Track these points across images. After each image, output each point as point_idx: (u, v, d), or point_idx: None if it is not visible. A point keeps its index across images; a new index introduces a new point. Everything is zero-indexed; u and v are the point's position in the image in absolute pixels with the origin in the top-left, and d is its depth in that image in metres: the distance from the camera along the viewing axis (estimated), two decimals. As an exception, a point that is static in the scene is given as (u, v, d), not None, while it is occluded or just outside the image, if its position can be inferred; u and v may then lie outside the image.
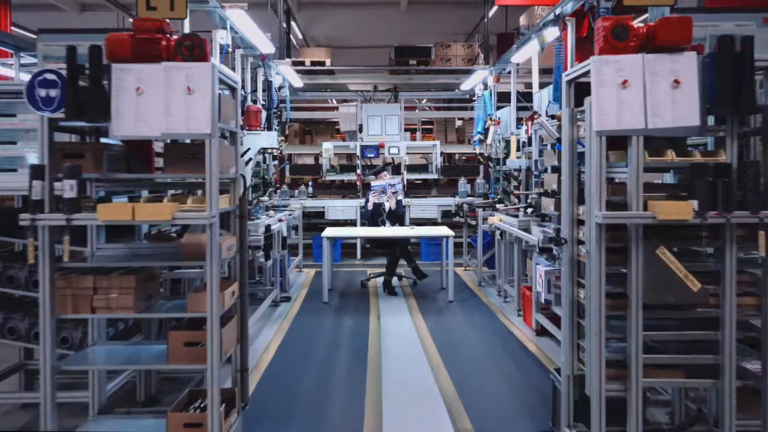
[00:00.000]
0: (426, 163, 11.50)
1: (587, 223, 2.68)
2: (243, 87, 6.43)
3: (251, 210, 5.68)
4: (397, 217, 6.99)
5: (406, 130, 10.14)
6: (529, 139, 6.32)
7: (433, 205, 9.06)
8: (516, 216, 5.70)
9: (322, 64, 10.26)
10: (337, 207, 8.97)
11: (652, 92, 2.52)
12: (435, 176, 9.46)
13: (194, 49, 2.65)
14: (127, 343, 3.16)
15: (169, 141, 3.06)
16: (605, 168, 2.58)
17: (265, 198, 6.88)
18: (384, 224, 6.94)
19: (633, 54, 2.55)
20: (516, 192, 6.64)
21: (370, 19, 12.30)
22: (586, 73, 2.67)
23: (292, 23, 11.48)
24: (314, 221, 9.82)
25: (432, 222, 9.85)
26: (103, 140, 2.99)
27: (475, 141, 8.05)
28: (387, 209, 6.93)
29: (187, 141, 3.00)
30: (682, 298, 2.55)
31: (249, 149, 6.12)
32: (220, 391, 2.73)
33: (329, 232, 6.58)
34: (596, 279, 2.58)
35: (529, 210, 5.63)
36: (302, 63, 10.13)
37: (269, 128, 6.35)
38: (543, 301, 4.64)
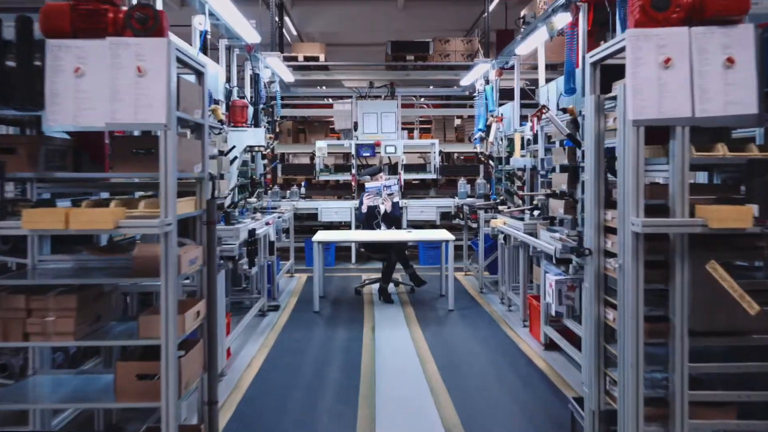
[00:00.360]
0: (424, 163, 11.05)
1: (620, 232, 2.23)
2: (228, 81, 5.97)
3: (234, 213, 5.23)
4: (393, 219, 6.54)
5: (403, 128, 9.70)
6: (535, 136, 5.88)
7: (431, 207, 8.61)
8: (521, 219, 5.25)
9: (316, 59, 9.81)
10: (331, 208, 8.51)
11: (700, 73, 2.08)
12: (433, 176, 9.01)
13: (147, 21, 2.20)
14: (75, 371, 2.70)
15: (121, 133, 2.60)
16: (643, 165, 2.14)
17: (253, 199, 6.42)
18: (379, 227, 6.50)
19: (677, 27, 2.10)
20: (520, 193, 6.20)
21: (367, 15, 11.86)
22: (617, 53, 2.22)
23: (286, 19, 11.03)
24: (307, 223, 9.37)
25: (430, 224, 9.40)
26: (49, 133, 2.54)
27: (475, 139, 7.61)
28: (382, 212, 6.49)
29: (137, 133, 2.54)
30: (736, 322, 2.11)
31: (234, 147, 5.66)
32: (183, 429, 2.28)
33: (320, 236, 6.13)
34: (632, 299, 2.13)
35: (536, 213, 5.18)
36: (295, 58, 9.68)
37: (257, 125, 5.90)
38: (553, 313, 4.20)
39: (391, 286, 6.49)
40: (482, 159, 7.94)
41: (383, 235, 6.15)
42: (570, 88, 4.57)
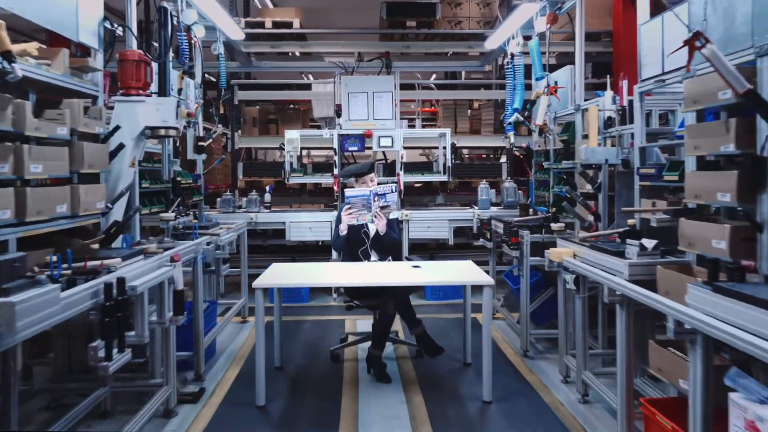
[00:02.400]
0: (428, 161, 8.73)
1: None
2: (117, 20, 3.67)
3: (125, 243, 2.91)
4: (389, 246, 4.21)
5: (401, 118, 7.36)
6: (623, 111, 3.58)
7: (441, 220, 6.27)
8: (617, 253, 2.94)
9: (289, 26, 7.47)
10: (303, 223, 6.17)
11: None
12: (444, 178, 6.69)
13: None
14: None
15: None
16: None
17: (170, 215, 4.09)
18: (368, 257, 4.18)
19: None
20: (592, 204, 3.89)
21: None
22: None
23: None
24: (273, 242, 7.04)
25: (440, 245, 7.10)
26: None
27: (507, 125, 5.26)
28: (372, 234, 4.17)
29: None
30: None
31: (118, 128, 3.34)
32: None
33: (270, 276, 3.77)
34: None
35: (649, 243, 2.85)
36: (261, 25, 7.35)
37: (163, 92, 3.58)
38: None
39: (386, 347, 4.18)
40: (517, 153, 5.64)
41: (374, 273, 3.80)
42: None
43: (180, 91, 4.26)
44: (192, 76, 4.67)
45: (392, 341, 4.37)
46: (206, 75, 8.26)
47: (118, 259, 2.65)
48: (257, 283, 3.36)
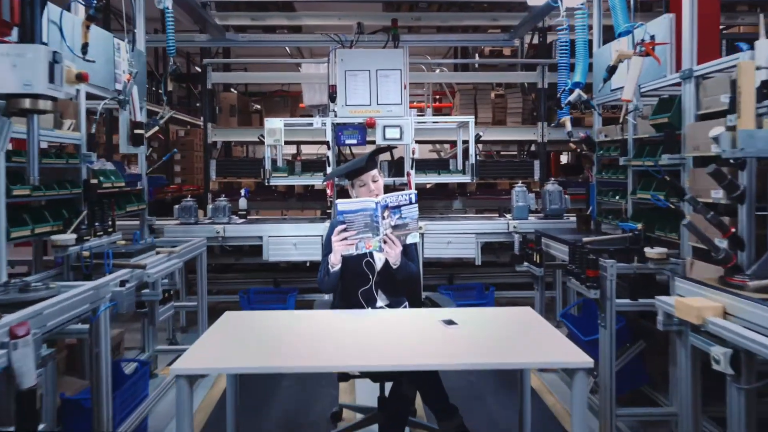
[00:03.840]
0: (443, 158, 7.31)
1: None
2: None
3: None
4: (404, 284, 2.74)
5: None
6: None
7: (467, 234, 4.82)
8: None
9: (273, -8, 6.06)
10: (286, 238, 4.72)
11: None
12: (467, 178, 5.25)
13: None
14: None
15: None
16: None
17: (67, 238, 2.66)
18: (372, 303, 2.73)
19: None
20: (727, 225, 2.45)
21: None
22: None
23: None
24: (248, 261, 5.61)
25: (464, 264, 5.68)
26: None
27: (563, 107, 3.77)
28: (378, 267, 2.72)
29: None
30: None
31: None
32: None
33: (200, 351, 2.32)
34: None
35: None
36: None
37: (28, 36, 2.14)
38: None
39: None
40: (573, 146, 4.20)
41: (386, 347, 2.31)
42: None
43: (85, 47, 2.81)
44: (98, 21, 3.21)
45: (411, 425, 2.93)
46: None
47: None
48: (177, 366, 1.90)
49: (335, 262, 2.60)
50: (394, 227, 2.55)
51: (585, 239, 3.18)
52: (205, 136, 6.39)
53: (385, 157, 5.97)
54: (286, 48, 8.10)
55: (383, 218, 2.52)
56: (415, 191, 2.58)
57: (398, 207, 2.55)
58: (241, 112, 6.85)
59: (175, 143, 9.49)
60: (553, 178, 5.05)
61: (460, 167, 5.56)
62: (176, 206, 4.76)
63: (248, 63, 7.29)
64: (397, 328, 2.34)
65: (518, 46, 7.42)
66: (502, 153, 9.37)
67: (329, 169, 5.06)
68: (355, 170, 2.76)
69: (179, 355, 1.97)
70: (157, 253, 3.18)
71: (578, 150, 4.07)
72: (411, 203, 2.57)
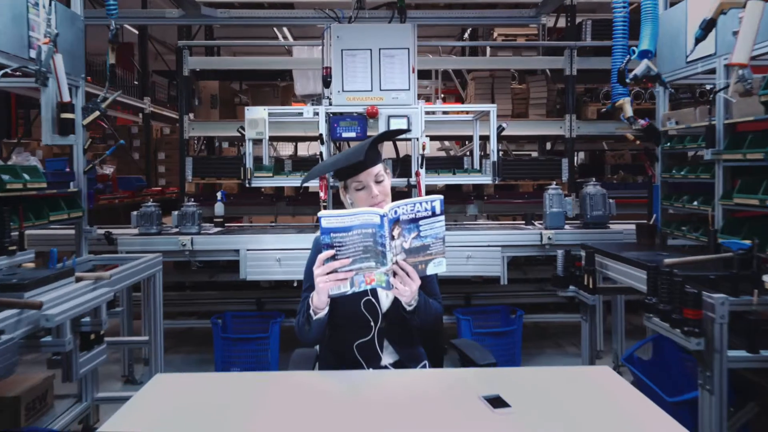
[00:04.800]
0: (456, 155, 6.46)
1: None
2: None
3: None
4: (422, 332, 1.86)
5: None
6: None
7: (491, 247, 3.92)
8: None
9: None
10: (268, 253, 3.80)
11: None
12: (488, 179, 4.36)
13: None
14: None
15: None
16: None
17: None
18: (375, 361, 1.85)
19: None
20: None
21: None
22: None
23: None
24: (224, 278, 4.74)
25: (485, 281, 4.82)
26: None
27: (630, 79, 2.86)
28: (385, 309, 1.85)
29: None
30: None
31: None
32: None
33: None
34: None
35: None
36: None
37: None
38: None
39: None
40: (629, 136, 3.30)
41: None
42: None
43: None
44: None
45: None
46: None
47: None
48: None
49: (319, 305, 1.71)
50: (409, 251, 1.67)
51: (668, 261, 2.29)
52: (181, 131, 5.53)
53: (388, 154, 5.11)
54: (276, 31, 7.22)
55: (392, 238, 1.64)
56: (440, 196, 1.69)
57: (415, 221, 1.66)
58: (224, 103, 5.97)
59: (160, 142, 8.67)
60: (594, 181, 4.15)
61: (476, 166, 4.69)
62: (134, 213, 3.87)
63: (233, 46, 6.39)
64: (412, 409, 1.45)
65: (538, 28, 6.55)
66: (515, 152, 8.47)
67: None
68: (349, 166, 1.87)
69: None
70: (78, 280, 2.30)
71: (636, 142, 3.18)
72: (434, 215, 1.68)
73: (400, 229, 1.65)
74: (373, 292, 1.83)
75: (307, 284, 1.82)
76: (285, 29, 7.38)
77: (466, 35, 7.46)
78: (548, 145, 7.02)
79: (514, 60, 5.99)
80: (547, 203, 4.02)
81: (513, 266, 4.52)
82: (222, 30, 6.37)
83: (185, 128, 5.49)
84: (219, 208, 4.38)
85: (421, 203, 1.67)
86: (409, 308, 1.78)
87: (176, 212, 3.94)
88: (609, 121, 5.37)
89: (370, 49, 4.36)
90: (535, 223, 4.34)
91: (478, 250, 3.89)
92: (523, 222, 4.47)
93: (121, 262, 3.04)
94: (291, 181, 4.45)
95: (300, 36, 7.50)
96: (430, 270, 1.71)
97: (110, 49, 2.94)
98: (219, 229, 4.26)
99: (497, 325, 4.21)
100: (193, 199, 4.98)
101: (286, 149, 11.30)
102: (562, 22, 6.55)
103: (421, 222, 1.67)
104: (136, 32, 7.43)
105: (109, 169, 7.00)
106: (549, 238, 3.82)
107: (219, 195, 4.42)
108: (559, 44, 5.66)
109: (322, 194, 4.15)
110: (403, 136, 4.18)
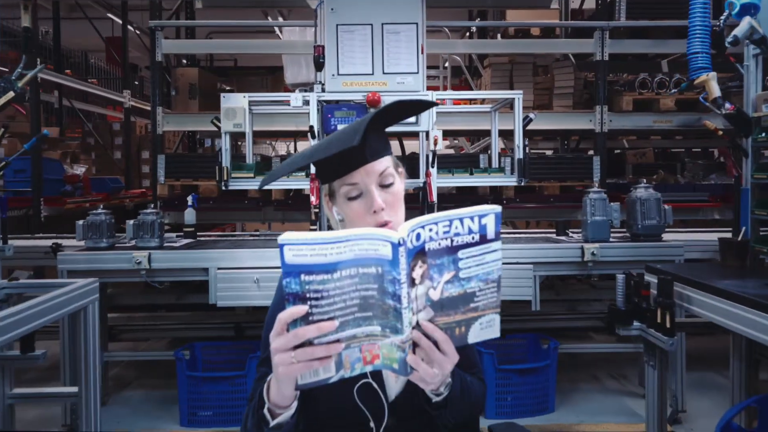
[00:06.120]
0: (470, 152, 5.73)
1: None
2: None
3: None
4: (454, 424, 1.15)
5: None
6: None
7: (519, 265, 3.16)
8: None
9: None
10: (243, 273, 3.04)
11: None
12: (512, 180, 3.61)
13: None
14: None
15: None
16: None
17: None
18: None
19: None
20: None
21: None
22: None
23: None
24: (195, 300, 3.99)
25: (516, 304, 4.06)
26: None
27: (729, 47, 2.10)
28: (393, 396, 1.11)
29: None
30: None
31: None
32: None
33: None
34: None
35: None
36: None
37: None
38: None
39: None
40: (709, 126, 2.56)
41: None
42: None
43: None
44: None
45: None
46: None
47: None
48: None
49: (279, 401, 0.96)
50: (441, 305, 0.93)
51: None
52: (153, 124, 4.78)
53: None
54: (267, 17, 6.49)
55: (413, 283, 0.90)
56: (496, 208, 0.95)
57: (452, 251, 0.92)
58: (205, 93, 5.24)
59: (144, 139, 7.96)
60: (645, 182, 3.40)
61: (495, 164, 3.95)
62: (79, 222, 3.11)
63: (209, 24, 5.66)
64: None
65: (560, 10, 5.83)
66: (531, 150, 7.72)
67: (312, 169, 3.43)
68: (333, 158, 1.12)
69: None
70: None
71: (719, 132, 2.43)
72: (483, 240, 0.94)
73: (426, 266, 0.91)
74: (375, 372, 1.08)
75: (266, 354, 1.07)
76: (276, 12, 6.65)
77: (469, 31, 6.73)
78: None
79: (537, 43, 5.23)
80: (588, 210, 3.27)
81: (551, 289, 3.79)
82: (203, 12, 5.65)
83: (158, 121, 4.75)
84: (189, 215, 3.63)
85: (461, 220, 0.93)
86: (436, 398, 1.03)
87: (131, 221, 3.19)
88: (647, 113, 4.65)
89: (371, 25, 3.61)
90: (570, 233, 3.59)
91: (505, 268, 3.14)
92: (554, 232, 3.73)
93: (44, 291, 2.30)
94: (277, 183, 3.72)
95: (290, 15, 6.76)
96: (475, 336, 0.97)
97: (22, 6, 2.20)
98: (188, 241, 3.52)
99: (524, 357, 3.46)
100: (161, 204, 4.25)
101: (285, 149, 10.54)
102: (588, 3, 5.83)
103: (461, 253, 0.93)
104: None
105: (80, 169, 6.27)
106: (593, 254, 3.07)
107: (190, 199, 3.67)
108: (589, 24, 4.92)
109: (312, 198, 3.41)
110: (412, 128, 3.44)
